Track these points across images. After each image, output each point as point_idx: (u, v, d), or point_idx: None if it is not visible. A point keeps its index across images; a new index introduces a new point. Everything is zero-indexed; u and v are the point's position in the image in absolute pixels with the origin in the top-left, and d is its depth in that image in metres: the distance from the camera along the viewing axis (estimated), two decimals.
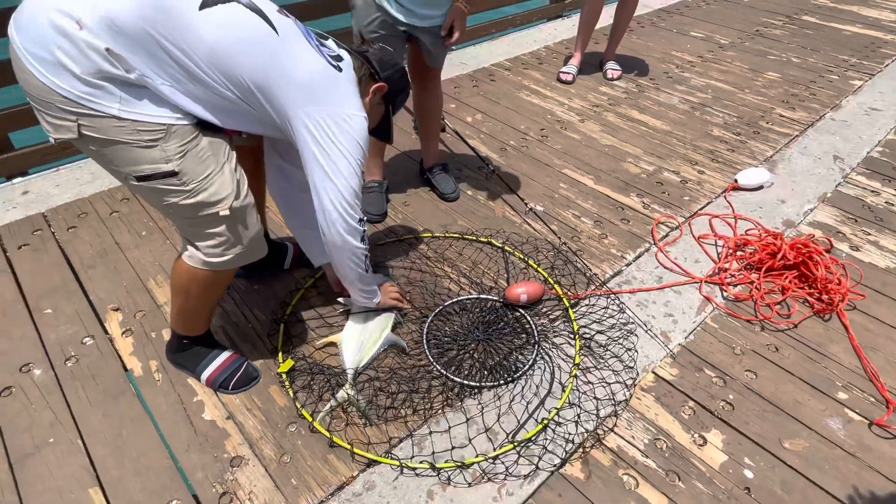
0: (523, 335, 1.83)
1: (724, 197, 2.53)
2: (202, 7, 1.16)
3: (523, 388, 1.67)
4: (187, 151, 1.24)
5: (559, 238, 2.21)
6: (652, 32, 4.33)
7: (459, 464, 1.46)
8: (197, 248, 1.38)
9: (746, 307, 1.98)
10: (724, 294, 2.02)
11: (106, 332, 1.81)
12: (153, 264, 2.05)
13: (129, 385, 1.66)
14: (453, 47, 2.12)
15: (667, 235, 2.31)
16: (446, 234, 2.24)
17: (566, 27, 4.35)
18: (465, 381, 1.66)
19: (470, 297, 1.95)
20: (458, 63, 3.71)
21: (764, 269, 2.06)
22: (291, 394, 1.62)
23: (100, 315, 1.86)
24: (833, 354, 1.81)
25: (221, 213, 1.30)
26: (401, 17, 1.89)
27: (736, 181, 2.58)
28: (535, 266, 2.09)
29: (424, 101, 2.32)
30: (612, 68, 3.59)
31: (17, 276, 1.99)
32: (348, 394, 1.59)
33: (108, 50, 1.10)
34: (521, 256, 2.13)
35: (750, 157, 2.81)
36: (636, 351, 1.79)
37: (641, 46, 4.07)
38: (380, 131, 1.61)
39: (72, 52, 1.09)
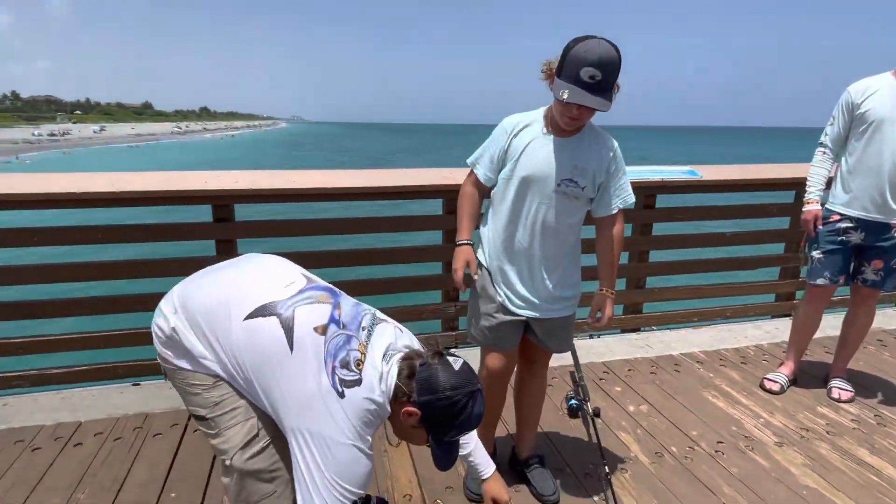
0: None
1: None
2: (246, 318, 1.38)
3: None
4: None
5: None
6: None
7: None
8: None
9: None
10: None
11: None
12: None
13: None
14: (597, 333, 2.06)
15: None
16: None
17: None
18: None
19: None
20: (641, 345, 3.53)
21: None
22: None
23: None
24: None
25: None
26: (523, 313, 1.94)
27: None
28: None
29: (527, 383, 2.17)
30: (840, 387, 2.93)
31: (176, 455, 2.36)
32: None
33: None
34: None
35: None
36: None
37: (893, 366, 3.27)
38: (435, 457, 1.48)
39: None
